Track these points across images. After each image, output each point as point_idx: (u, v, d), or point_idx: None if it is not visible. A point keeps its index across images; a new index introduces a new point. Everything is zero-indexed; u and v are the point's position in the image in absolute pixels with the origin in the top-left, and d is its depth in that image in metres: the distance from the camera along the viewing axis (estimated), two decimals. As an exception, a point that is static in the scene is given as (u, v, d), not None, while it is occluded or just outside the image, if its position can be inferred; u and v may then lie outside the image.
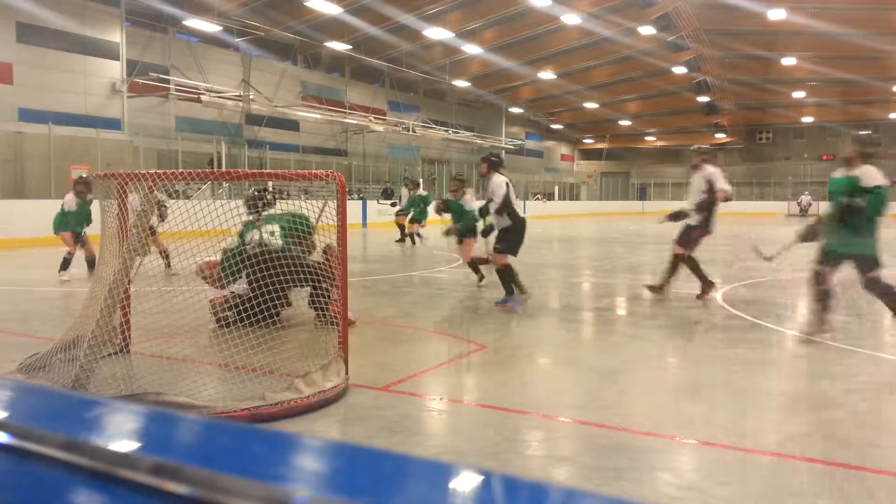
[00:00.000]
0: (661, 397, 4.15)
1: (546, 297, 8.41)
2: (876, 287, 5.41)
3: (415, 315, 6.85)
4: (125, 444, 0.56)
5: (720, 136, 47.25)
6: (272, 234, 5.84)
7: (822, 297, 5.58)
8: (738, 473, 2.99)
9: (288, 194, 21.72)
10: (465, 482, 0.52)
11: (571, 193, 45.30)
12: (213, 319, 5.50)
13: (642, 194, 50.15)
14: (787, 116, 43.97)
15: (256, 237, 5.82)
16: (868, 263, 5.32)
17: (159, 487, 0.49)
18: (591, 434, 3.44)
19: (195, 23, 22.19)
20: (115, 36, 21.37)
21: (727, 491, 2.80)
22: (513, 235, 6.91)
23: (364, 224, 23.94)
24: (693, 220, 7.41)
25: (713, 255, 13.78)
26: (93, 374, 3.86)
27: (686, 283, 9.05)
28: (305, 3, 22.48)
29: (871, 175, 5.22)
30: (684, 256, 7.42)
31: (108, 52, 21.21)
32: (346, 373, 4.13)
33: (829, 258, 5.49)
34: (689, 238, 7.45)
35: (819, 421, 3.70)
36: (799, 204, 38.72)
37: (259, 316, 4.60)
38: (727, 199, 7.38)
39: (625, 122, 47.11)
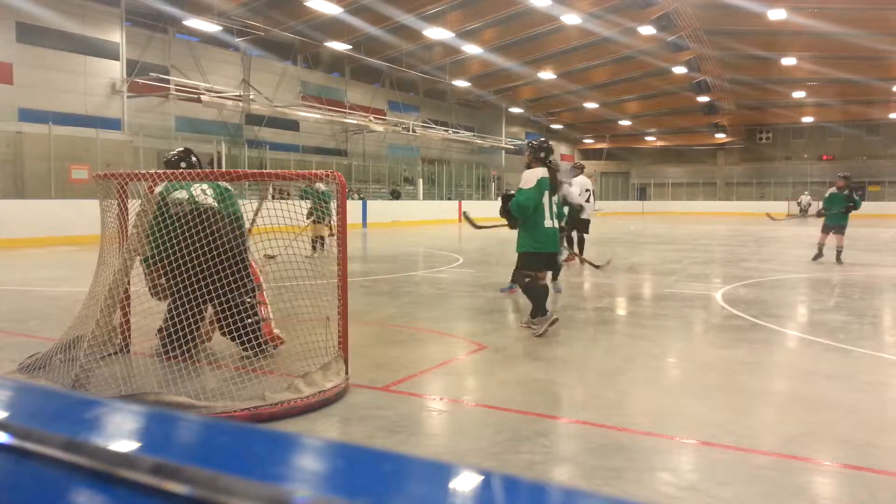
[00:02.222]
0: (661, 397, 4.15)
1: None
2: (517, 280, 5.91)
3: (415, 315, 6.85)
4: (125, 444, 0.56)
5: (720, 136, 47.26)
6: (204, 192, 4.79)
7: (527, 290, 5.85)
8: (738, 473, 2.99)
9: (289, 194, 21.79)
10: (465, 482, 0.52)
11: (571, 193, 45.28)
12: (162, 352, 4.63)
13: (642, 194, 50.20)
14: (787, 116, 43.97)
15: (183, 195, 4.67)
16: (518, 259, 5.87)
17: (159, 487, 0.49)
18: (591, 434, 3.44)
19: (195, 23, 22.19)
20: (115, 36, 21.38)
21: (727, 491, 2.80)
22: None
23: (364, 224, 23.97)
24: None
25: (712, 256, 13.79)
26: (93, 374, 3.86)
27: (687, 284, 9.07)
28: (305, 3, 22.48)
29: (524, 178, 5.75)
30: None
31: (108, 52, 21.22)
32: (346, 373, 4.13)
33: None
34: None
35: (819, 421, 3.70)
36: (799, 204, 38.73)
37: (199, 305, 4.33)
38: None
39: (625, 122, 47.11)
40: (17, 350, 4.91)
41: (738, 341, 5.61)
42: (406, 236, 19.74)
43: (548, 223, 5.73)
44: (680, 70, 34.37)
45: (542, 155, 5.83)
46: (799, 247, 15.85)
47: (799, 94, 38.49)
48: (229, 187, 5.01)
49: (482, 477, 0.52)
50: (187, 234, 4.25)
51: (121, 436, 0.61)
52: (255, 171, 6.12)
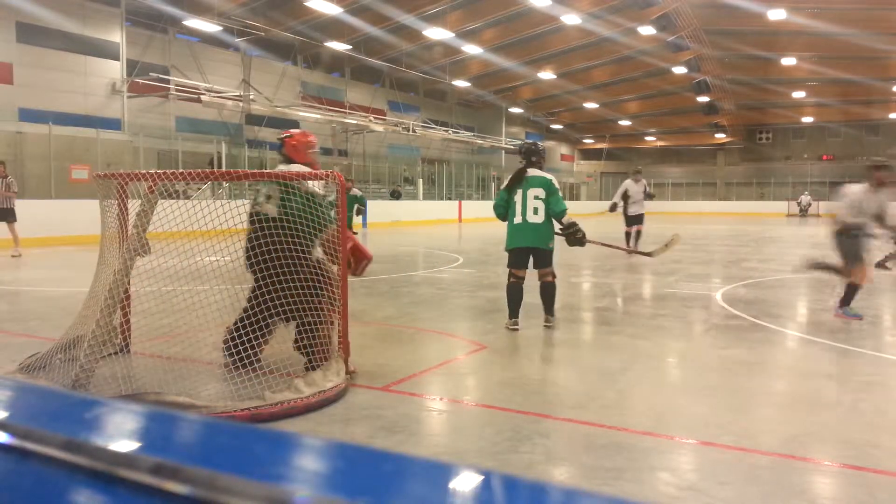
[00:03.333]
0: (661, 397, 4.15)
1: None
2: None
3: (415, 315, 6.85)
4: (125, 444, 0.56)
5: (720, 137, 47.25)
6: (268, 197, 4.45)
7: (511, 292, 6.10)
8: (738, 473, 2.99)
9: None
10: (465, 482, 0.52)
11: (571, 193, 45.31)
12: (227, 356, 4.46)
13: (642, 194, 50.17)
14: (786, 116, 43.97)
15: (258, 198, 4.49)
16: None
17: (159, 487, 0.49)
18: (591, 434, 3.44)
19: (195, 23, 22.19)
20: (116, 36, 21.37)
21: (727, 491, 2.80)
22: None
23: (364, 224, 23.95)
24: None
25: (712, 256, 13.78)
26: (93, 375, 3.86)
27: (687, 284, 9.06)
28: (305, 3, 22.48)
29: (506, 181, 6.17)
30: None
31: (109, 52, 21.21)
32: (347, 373, 4.13)
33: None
34: None
35: (819, 421, 3.70)
36: (799, 204, 38.73)
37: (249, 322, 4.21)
38: None
39: (625, 122, 47.09)
40: (17, 350, 4.91)
41: (738, 341, 5.61)
42: (406, 236, 19.74)
43: (517, 220, 5.95)
44: (680, 70, 34.37)
45: (520, 157, 6.27)
46: (799, 247, 15.84)
47: (799, 95, 38.49)
48: (317, 192, 4.46)
49: (482, 477, 0.52)
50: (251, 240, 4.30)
51: (121, 436, 0.61)
52: (255, 171, 6.01)
